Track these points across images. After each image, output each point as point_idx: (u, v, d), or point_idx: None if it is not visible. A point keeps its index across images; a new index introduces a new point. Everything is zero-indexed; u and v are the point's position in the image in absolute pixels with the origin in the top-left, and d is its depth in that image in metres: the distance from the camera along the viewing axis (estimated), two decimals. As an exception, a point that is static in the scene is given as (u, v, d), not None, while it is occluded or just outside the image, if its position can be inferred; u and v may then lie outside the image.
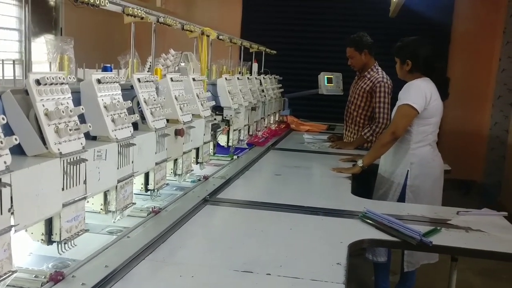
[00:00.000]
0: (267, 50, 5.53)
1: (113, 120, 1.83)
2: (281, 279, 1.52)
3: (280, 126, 5.50)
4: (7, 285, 1.32)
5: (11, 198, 1.25)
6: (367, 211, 2.20)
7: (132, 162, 1.96)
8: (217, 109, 3.57)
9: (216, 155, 3.43)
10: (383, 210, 2.27)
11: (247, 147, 4.01)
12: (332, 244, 1.84)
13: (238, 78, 3.84)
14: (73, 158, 1.52)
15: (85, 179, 1.61)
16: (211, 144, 3.24)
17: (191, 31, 2.91)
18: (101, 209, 1.86)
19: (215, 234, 1.98)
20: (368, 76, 4.20)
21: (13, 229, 1.26)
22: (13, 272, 1.27)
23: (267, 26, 7.46)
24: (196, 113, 2.82)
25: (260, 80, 4.87)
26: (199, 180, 2.75)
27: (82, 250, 1.63)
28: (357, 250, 2.06)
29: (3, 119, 1.20)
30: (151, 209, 2.10)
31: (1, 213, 1.22)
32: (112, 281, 1.44)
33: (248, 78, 4.19)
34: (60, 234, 1.51)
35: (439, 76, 3.11)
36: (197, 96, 2.83)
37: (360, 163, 3.17)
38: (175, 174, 2.57)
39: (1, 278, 1.24)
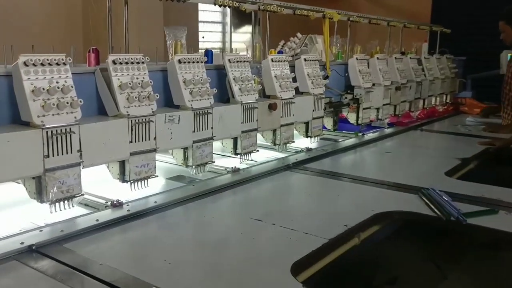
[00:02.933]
0: (437, 29, 5.29)
1: (191, 93, 2.28)
2: (280, 229, 1.76)
3: (448, 108, 5.24)
4: (83, 204, 1.91)
5: (80, 143, 1.81)
6: (430, 188, 2.20)
7: (212, 128, 2.38)
8: (349, 88, 3.75)
9: (341, 131, 3.63)
10: (456, 189, 2.23)
11: (386, 126, 4.06)
12: (361, 211, 1.96)
13: (378, 58, 3.91)
14: (141, 120, 2.03)
15: (155, 136, 2.10)
16: (330, 120, 3.47)
17: (306, 16, 3.17)
18: (182, 163, 2.34)
19: (266, 192, 2.28)
20: None
21: (81, 164, 1.83)
22: (81, 194, 1.84)
23: (460, 4, 7.01)
24: (305, 91, 3.10)
25: (420, 59, 4.76)
26: (302, 151, 3.03)
27: (154, 191, 2.13)
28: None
29: (72, 86, 1.76)
30: (232, 168, 2.51)
31: (72, 152, 1.79)
32: (153, 213, 1.90)
33: (395, 57, 4.18)
34: (129, 175, 2.03)
35: None
36: (308, 75, 3.10)
37: None
38: (275, 144, 2.91)
39: (72, 197, 1.81)
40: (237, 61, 2.59)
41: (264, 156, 2.89)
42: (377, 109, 3.95)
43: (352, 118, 3.74)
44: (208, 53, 2.67)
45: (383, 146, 3.37)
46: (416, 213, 1.97)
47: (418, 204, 2.07)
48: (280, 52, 3.30)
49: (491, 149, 3.22)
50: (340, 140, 3.44)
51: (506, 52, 5.29)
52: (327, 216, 1.94)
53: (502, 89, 4.09)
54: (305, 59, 3.11)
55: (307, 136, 3.19)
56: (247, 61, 2.65)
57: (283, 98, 2.84)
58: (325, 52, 3.43)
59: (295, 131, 3.14)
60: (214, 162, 2.44)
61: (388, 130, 3.92)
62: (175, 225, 1.84)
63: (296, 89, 3.07)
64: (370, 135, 3.63)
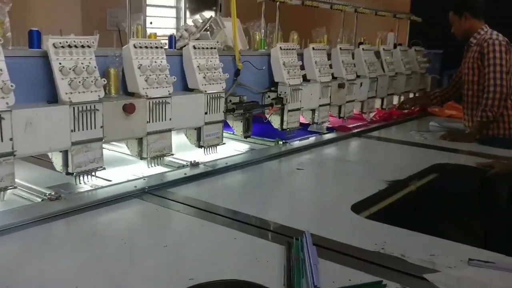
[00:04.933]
0: (402, 17, 4.56)
1: (-29, 89, 1.57)
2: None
3: (414, 109, 4.49)
4: None
5: None
6: (306, 235, 1.49)
7: (11, 139, 1.68)
8: (275, 85, 3.04)
9: (262, 138, 2.93)
10: (348, 237, 1.53)
11: (325, 131, 3.35)
12: (172, 280, 1.25)
13: (313, 48, 3.19)
14: None
15: None
16: (239, 124, 2.76)
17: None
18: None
19: (69, 237, 1.57)
20: (475, 41, 3.30)
21: None
22: None
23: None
24: (194, 87, 2.40)
25: (379, 51, 4.04)
26: (186, 166, 2.33)
27: None
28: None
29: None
30: (48, 195, 1.80)
31: None
32: None
33: (340, 48, 3.45)
34: None
35: None
36: (198, 67, 2.39)
37: None
38: (141, 157, 2.21)
39: None
40: (69, 46, 1.87)
41: (132, 172, 2.21)
42: (313, 110, 3.24)
43: (275, 121, 3.03)
44: (34, 34, 1.96)
45: (302, 159, 2.64)
46: (252, 284, 1.25)
47: (271, 267, 1.36)
48: (171, 37, 2.60)
49: (489, 174, 2.44)
50: (252, 149, 2.74)
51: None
52: (110, 289, 1.23)
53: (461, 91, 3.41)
54: (194, 47, 2.40)
55: (199, 146, 2.48)
56: (88, 46, 1.93)
57: (150, 96, 2.13)
58: (234, 39, 2.71)
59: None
60: (16, 187, 1.73)
61: (325, 137, 3.21)
62: None
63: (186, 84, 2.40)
64: (295, 144, 2.91)
